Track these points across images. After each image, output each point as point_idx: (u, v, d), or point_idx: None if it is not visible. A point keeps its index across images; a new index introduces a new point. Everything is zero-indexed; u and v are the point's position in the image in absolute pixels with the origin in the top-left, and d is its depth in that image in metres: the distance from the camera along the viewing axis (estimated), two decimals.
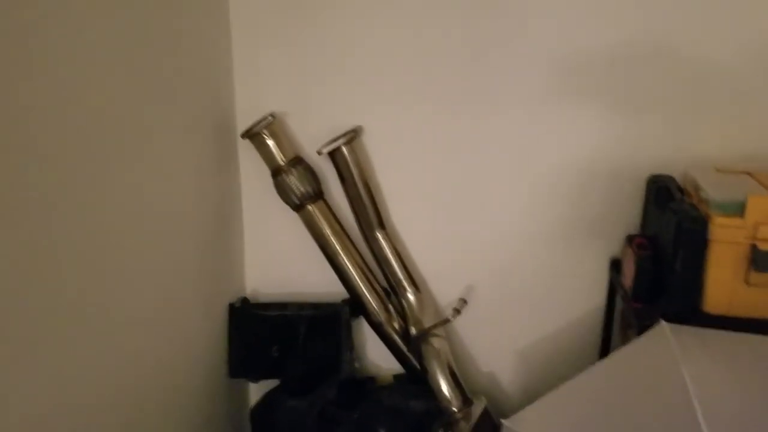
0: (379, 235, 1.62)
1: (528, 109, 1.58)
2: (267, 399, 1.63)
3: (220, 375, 1.64)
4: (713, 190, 1.31)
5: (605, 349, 1.65)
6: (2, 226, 0.91)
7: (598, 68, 1.53)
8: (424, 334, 1.60)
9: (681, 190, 1.42)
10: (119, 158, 1.19)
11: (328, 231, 1.61)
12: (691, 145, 1.54)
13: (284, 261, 1.74)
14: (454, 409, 1.57)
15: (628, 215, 1.60)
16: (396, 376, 1.72)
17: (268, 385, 1.67)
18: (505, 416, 1.18)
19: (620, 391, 1.10)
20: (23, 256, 0.96)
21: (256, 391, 1.73)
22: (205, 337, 1.57)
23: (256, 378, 1.71)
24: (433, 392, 1.58)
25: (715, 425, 0.94)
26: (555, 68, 1.54)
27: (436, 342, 1.60)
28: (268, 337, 1.64)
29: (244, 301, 1.69)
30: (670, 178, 1.48)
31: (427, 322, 1.62)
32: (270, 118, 1.54)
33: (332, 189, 1.66)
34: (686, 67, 1.50)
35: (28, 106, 0.96)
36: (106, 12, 1.14)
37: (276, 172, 1.57)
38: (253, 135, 1.55)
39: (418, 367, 1.63)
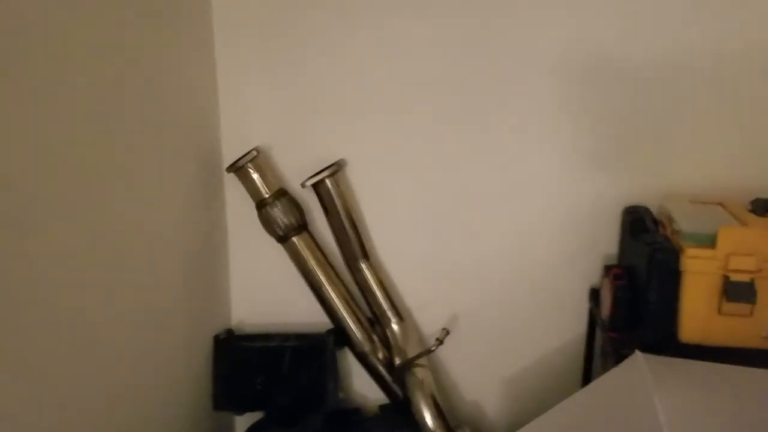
0: (363, 266, 1.65)
1: (510, 142, 1.62)
2: None
3: (205, 408, 1.64)
4: (685, 221, 1.34)
5: (587, 377, 1.66)
6: None
7: (579, 101, 1.57)
8: (408, 365, 1.61)
9: (655, 222, 1.45)
10: (105, 192, 1.22)
11: (312, 262, 1.63)
12: (668, 176, 1.57)
13: (269, 292, 1.75)
14: None
15: (607, 245, 1.63)
16: (382, 407, 1.72)
17: (254, 417, 1.67)
18: None
19: (595, 422, 1.11)
20: (5, 286, 0.97)
21: (242, 423, 1.73)
22: (189, 369, 1.58)
23: (241, 410, 1.71)
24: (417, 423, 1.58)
25: None
26: (535, 101, 1.58)
27: (419, 372, 1.61)
28: (252, 369, 1.64)
29: (229, 332, 1.69)
30: (646, 210, 1.51)
31: (411, 352, 1.63)
32: (254, 152, 1.57)
33: (316, 220, 1.68)
34: (662, 100, 1.54)
35: (16, 141, 0.98)
36: (93, 48, 1.17)
37: (260, 204, 1.60)
38: (237, 169, 1.58)
39: (402, 397, 1.63)
